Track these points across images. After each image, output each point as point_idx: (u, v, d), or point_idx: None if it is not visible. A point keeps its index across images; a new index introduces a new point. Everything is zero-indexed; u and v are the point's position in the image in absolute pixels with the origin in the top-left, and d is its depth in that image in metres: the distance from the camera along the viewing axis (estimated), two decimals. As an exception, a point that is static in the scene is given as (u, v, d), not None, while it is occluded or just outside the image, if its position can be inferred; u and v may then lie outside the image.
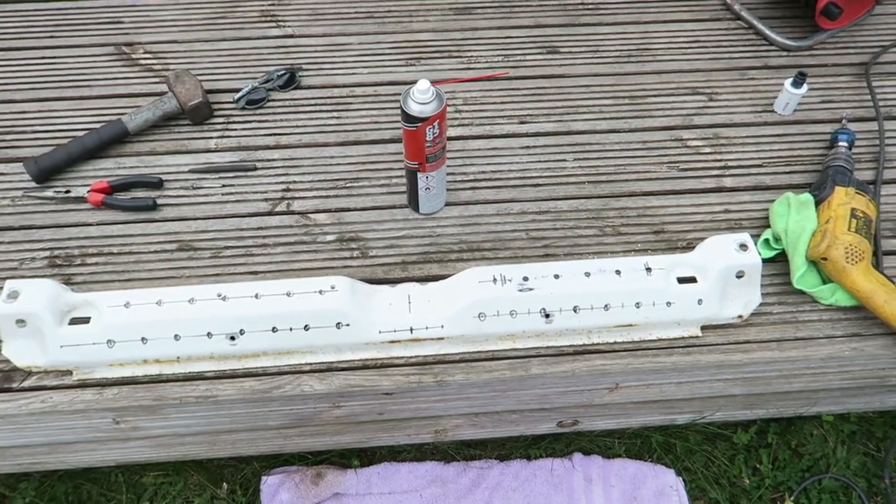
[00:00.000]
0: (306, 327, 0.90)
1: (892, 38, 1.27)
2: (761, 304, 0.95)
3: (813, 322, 0.96)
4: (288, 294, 0.91)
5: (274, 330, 0.90)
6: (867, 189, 1.00)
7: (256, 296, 0.91)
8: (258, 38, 1.29)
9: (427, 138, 0.92)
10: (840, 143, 1.08)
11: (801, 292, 0.97)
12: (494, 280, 0.92)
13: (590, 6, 1.34)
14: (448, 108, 1.17)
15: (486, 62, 1.25)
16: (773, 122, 1.17)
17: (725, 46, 1.28)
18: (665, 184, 1.09)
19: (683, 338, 0.94)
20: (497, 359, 0.92)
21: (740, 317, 0.94)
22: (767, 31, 1.28)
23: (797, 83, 1.13)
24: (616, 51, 1.27)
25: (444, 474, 1.13)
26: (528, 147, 1.14)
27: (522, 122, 1.17)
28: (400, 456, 1.15)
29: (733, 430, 1.18)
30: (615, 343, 0.94)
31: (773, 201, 1.04)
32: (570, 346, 0.93)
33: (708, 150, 1.13)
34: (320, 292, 0.91)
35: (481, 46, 1.28)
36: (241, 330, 0.90)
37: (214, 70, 1.23)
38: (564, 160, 1.12)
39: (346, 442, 1.07)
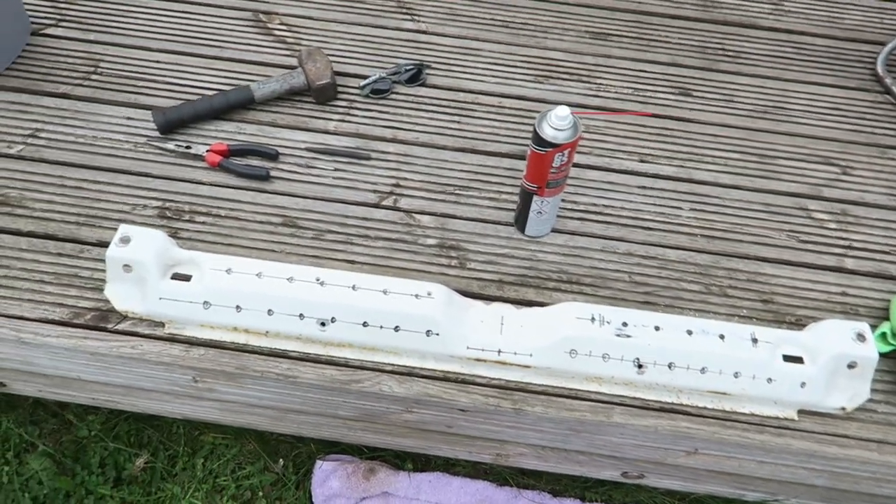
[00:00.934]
0: (396, 328, 0.90)
1: None
2: (867, 401, 0.90)
3: (920, 430, 0.90)
4: (385, 292, 0.91)
5: (364, 324, 0.90)
6: None
7: (354, 287, 0.91)
8: (391, 29, 1.29)
9: (553, 164, 0.90)
10: (980, 246, 1.01)
11: (913, 396, 0.91)
12: (593, 319, 0.90)
13: (730, 53, 1.30)
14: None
15: (616, 92, 1.22)
16: (907, 210, 1.11)
17: (868, 120, 1.21)
18: (782, 252, 1.05)
19: (778, 418, 0.90)
20: (580, 399, 0.90)
21: (843, 409, 0.89)
22: (916, 112, 1.21)
23: (944, 174, 1.06)
24: (751, 104, 1.22)
25: (495, 497, 1.12)
26: (644, 187, 1.11)
27: (643, 161, 1.14)
28: (454, 468, 1.14)
29: (802, 519, 1.13)
30: (704, 408, 0.90)
31: (895, 293, 0.98)
32: (658, 401, 0.90)
33: (833, 225, 1.08)
34: (416, 296, 0.90)
35: (612, 75, 1.25)
36: (333, 318, 0.90)
37: (345, 53, 1.24)
38: (680, 208, 1.09)
39: (405, 445, 1.07)
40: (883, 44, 1.29)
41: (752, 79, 1.26)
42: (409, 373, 0.91)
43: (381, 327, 0.90)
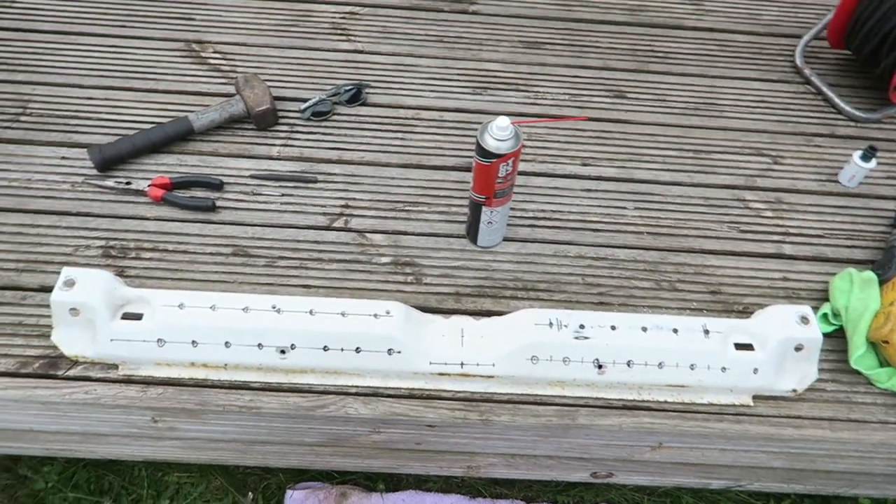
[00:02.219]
0: (357, 350, 0.90)
1: (962, 121, 1.26)
2: (816, 381, 0.94)
3: (867, 405, 0.94)
4: (343, 314, 0.90)
5: (325, 349, 0.90)
6: (933, 274, 0.99)
7: (311, 312, 0.90)
8: (327, 51, 1.29)
9: (499, 174, 0.91)
10: (905, 223, 1.07)
11: (857, 372, 0.95)
12: (551, 324, 0.91)
13: (659, 53, 1.34)
14: (512, 142, 1.17)
15: (553, 99, 1.25)
16: (836, 193, 1.16)
17: (793, 110, 1.27)
18: (725, 244, 1.08)
19: (735, 405, 0.93)
20: (545, 404, 0.91)
21: (794, 391, 0.93)
22: (836, 100, 1.27)
23: (866, 157, 1.12)
24: (683, 102, 1.27)
25: (468, 509, 1.12)
26: (589, 190, 1.13)
27: (585, 165, 1.16)
28: (426, 485, 1.14)
29: (766, 500, 1.17)
30: (665, 402, 0.92)
31: (832, 274, 1.03)
32: (620, 399, 0.92)
33: (769, 213, 1.12)
34: (375, 316, 0.90)
35: (548, 83, 1.27)
36: (293, 344, 0.89)
37: (282, 77, 1.24)
38: (625, 207, 1.12)
39: (375, 465, 1.06)
40: (800, 37, 1.35)
41: (682, 77, 1.31)
42: (374, 393, 0.91)
43: (343, 350, 0.90)
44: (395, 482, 1.14)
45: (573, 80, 1.29)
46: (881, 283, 0.98)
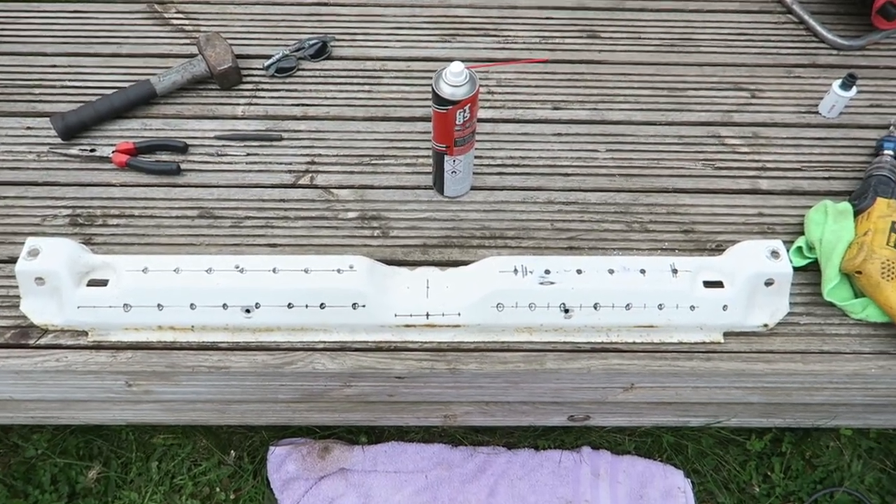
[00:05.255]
0: (322, 305, 0.89)
1: (951, 43, 1.21)
2: (788, 314, 0.92)
3: (840, 336, 0.93)
4: (306, 271, 0.90)
5: (290, 306, 0.90)
6: (911, 202, 0.96)
7: (274, 270, 0.90)
8: (291, 5, 1.26)
9: (457, 122, 0.89)
10: (886, 152, 1.04)
11: (831, 304, 0.94)
12: (515, 271, 0.90)
13: (634, -10, 1.30)
14: (480, 90, 1.14)
15: (524, 43, 1.22)
16: (816, 125, 1.13)
17: (773, 41, 1.23)
18: (699, 182, 1.06)
19: (705, 343, 0.92)
20: (512, 350, 0.91)
21: (766, 326, 0.92)
22: (819, 28, 1.22)
23: (846, 85, 1.08)
24: (658, 39, 1.23)
25: (451, 458, 1.13)
26: (559, 134, 1.11)
27: (556, 108, 1.14)
28: (408, 436, 1.15)
29: (747, 436, 1.17)
30: (634, 343, 0.92)
31: (809, 208, 1.01)
32: (588, 342, 0.92)
33: (746, 149, 1.10)
34: (338, 271, 0.90)
35: (519, 26, 1.24)
36: (257, 303, 0.90)
37: (245, 35, 1.21)
38: (596, 150, 1.09)
39: (354, 419, 1.07)
40: (782, -36, 1.30)
41: (658, 13, 1.26)
42: (342, 348, 0.91)
43: (307, 306, 0.90)
44: (376, 435, 1.15)
45: (545, 21, 1.25)
46: (856, 213, 0.96)
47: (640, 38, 1.23)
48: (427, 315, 0.91)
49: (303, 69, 1.18)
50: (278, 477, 1.10)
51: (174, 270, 0.90)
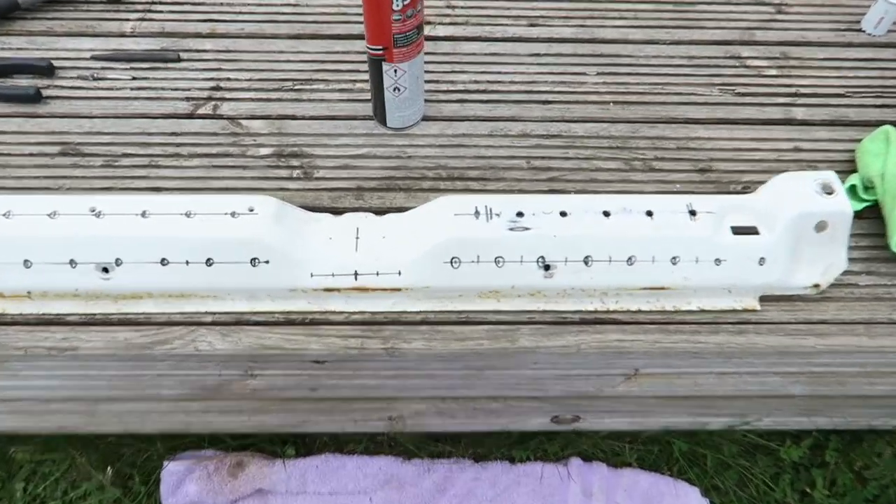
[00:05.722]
0: (209, 261, 0.64)
1: None
2: (844, 273, 0.69)
3: (915, 301, 0.69)
4: (187, 214, 0.65)
5: (163, 262, 0.64)
6: None
7: (144, 214, 0.65)
8: None
9: (394, 5, 0.65)
10: (954, 71, 0.81)
11: (901, 259, 0.70)
12: (477, 213, 0.66)
13: None
14: (438, 2, 0.90)
15: (492, -48, 0.98)
16: (860, 44, 0.89)
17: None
18: (716, 110, 0.82)
19: (735, 311, 0.68)
20: (473, 323, 0.66)
21: (817, 286, 0.68)
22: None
23: (899, -10, 0.86)
24: (659, -51, 0.99)
25: (402, 474, 0.88)
26: (537, 55, 0.87)
27: (532, 25, 0.90)
28: (347, 447, 0.90)
29: (781, 441, 0.92)
30: (639, 312, 0.67)
31: (859, 140, 0.77)
32: (577, 311, 0.67)
33: (774, 71, 0.86)
34: (233, 214, 0.65)
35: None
36: (118, 259, 0.64)
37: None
38: (584, 73, 0.85)
39: (272, 424, 0.82)
40: None
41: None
42: (237, 321, 0.66)
43: (188, 263, 0.65)
44: (307, 445, 0.90)
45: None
46: (929, 140, 0.73)
47: (636, -51, 0.99)
48: (355, 275, 0.66)
49: (214, -20, 0.93)
50: (175, 502, 0.85)
51: (3, 215, 0.65)
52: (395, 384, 0.72)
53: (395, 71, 0.72)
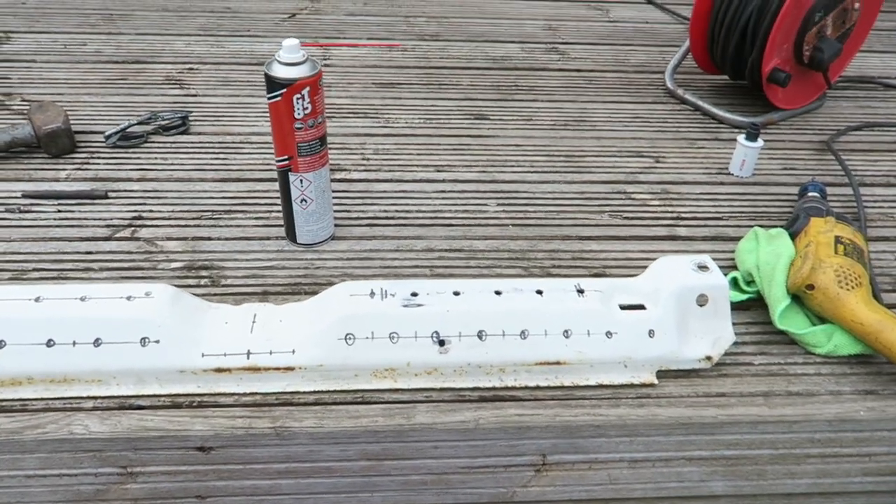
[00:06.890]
0: (97, 342, 0.63)
1: (848, 124, 1.16)
2: (738, 354, 0.71)
3: (809, 375, 0.70)
4: (82, 299, 0.65)
5: (49, 343, 0.63)
6: (851, 222, 0.81)
7: (37, 299, 0.65)
8: (157, 95, 1.16)
9: (296, 114, 0.73)
10: (811, 194, 0.90)
11: (791, 341, 0.73)
12: (372, 294, 0.68)
13: (524, 88, 1.25)
14: (354, 157, 1.01)
15: (406, 123, 1.11)
16: (731, 183, 1.01)
17: (671, 122, 1.16)
18: (608, 230, 0.90)
19: (634, 385, 0.67)
20: (369, 402, 0.65)
21: (709, 359, 0.69)
22: (716, 111, 1.17)
23: (751, 136, 0.99)
24: (551, 121, 1.15)
25: None
26: (443, 191, 0.96)
27: (439, 171, 1.00)
28: None
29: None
30: (538, 388, 0.67)
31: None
32: (475, 388, 0.66)
33: (657, 202, 0.96)
34: (128, 298, 0.66)
35: (403, 111, 1.15)
36: (2, 341, 0.63)
37: (94, 115, 1.08)
38: (486, 204, 0.93)
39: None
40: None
41: (550, 103, 1.20)
42: (120, 406, 0.63)
43: (75, 344, 0.63)
44: None
45: (430, 107, 1.17)
46: (791, 236, 0.80)
47: (531, 120, 1.14)
48: (248, 353, 0.65)
49: (152, 141, 1.03)
50: None
51: None
52: (288, 484, 0.66)
53: (301, 181, 0.78)
